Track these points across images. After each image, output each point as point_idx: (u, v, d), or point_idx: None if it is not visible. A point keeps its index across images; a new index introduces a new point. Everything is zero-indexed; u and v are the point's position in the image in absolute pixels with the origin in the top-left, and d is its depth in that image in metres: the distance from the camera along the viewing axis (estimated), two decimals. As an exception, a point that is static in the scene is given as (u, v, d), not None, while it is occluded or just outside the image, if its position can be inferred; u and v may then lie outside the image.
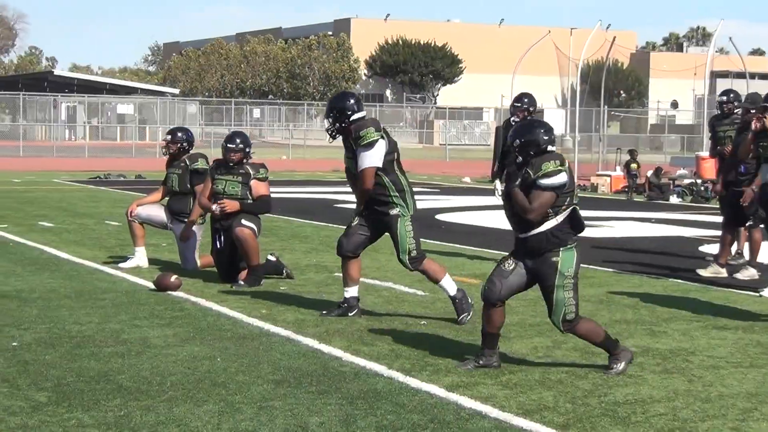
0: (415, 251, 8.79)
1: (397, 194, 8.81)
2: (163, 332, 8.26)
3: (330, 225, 17.09)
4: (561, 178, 7.03)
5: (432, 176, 36.14)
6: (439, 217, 19.54)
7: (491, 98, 77.84)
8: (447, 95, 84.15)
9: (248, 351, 7.62)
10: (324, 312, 9.11)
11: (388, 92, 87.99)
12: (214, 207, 10.68)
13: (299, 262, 12.64)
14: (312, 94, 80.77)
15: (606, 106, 38.45)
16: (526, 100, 12.21)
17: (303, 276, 11.51)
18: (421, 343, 7.99)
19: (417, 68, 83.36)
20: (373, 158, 8.69)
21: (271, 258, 11.31)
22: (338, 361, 7.37)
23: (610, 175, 29.11)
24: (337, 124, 8.87)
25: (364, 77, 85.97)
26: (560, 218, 7.09)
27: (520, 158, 7.13)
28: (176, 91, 76.65)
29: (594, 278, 11.70)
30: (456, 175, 36.10)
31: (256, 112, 72.21)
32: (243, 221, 10.59)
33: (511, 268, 7.18)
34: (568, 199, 7.09)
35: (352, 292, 9.04)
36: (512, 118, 12.04)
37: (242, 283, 10.55)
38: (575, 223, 7.14)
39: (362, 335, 8.28)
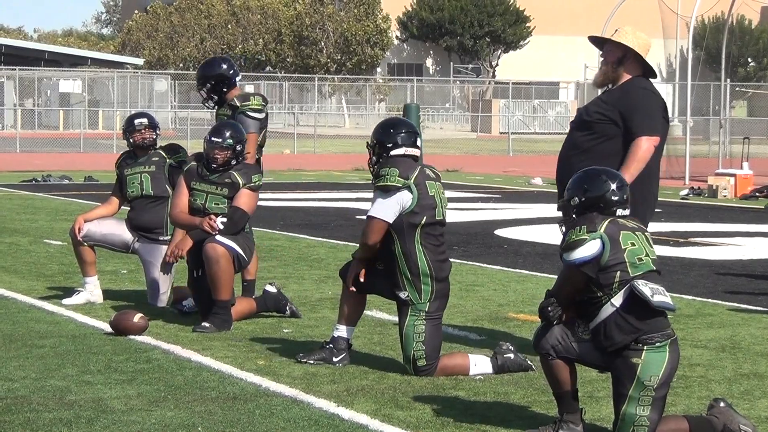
0: (423, 360, 8.84)
1: (408, 277, 8.89)
2: (124, 391, 8.28)
3: (350, 244, 17.07)
4: (587, 250, 7.00)
5: (490, 176, 36.12)
6: (500, 232, 19.50)
7: (569, 70, 77.80)
8: (510, 65, 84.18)
9: (240, 417, 7.63)
10: (301, 355, 9.29)
11: (429, 62, 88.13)
12: (206, 225, 10.57)
13: (309, 295, 12.65)
14: (325, 65, 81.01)
15: (728, 80, 38.38)
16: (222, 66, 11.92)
17: (313, 314, 11.52)
18: (477, 407, 7.98)
19: (468, 29, 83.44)
20: (383, 208, 8.80)
21: (271, 289, 11.30)
22: (363, 430, 7.38)
23: (734, 175, 28.97)
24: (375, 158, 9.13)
25: (396, 41, 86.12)
26: (617, 302, 7.01)
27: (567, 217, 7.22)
28: (140, 61, 76.98)
29: (714, 316, 11.64)
30: (522, 175, 36.07)
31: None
32: (218, 236, 10.55)
33: (586, 336, 7.14)
34: (619, 273, 7.00)
35: (342, 332, 9.19)
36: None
37: (206, 325, 10.52)
38: (640, 308, 6.96)
39: (395, 395, 8.28)
